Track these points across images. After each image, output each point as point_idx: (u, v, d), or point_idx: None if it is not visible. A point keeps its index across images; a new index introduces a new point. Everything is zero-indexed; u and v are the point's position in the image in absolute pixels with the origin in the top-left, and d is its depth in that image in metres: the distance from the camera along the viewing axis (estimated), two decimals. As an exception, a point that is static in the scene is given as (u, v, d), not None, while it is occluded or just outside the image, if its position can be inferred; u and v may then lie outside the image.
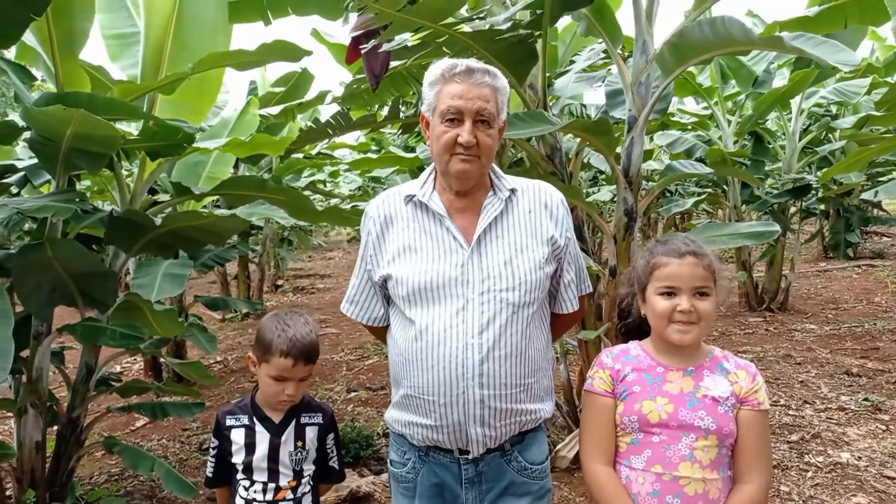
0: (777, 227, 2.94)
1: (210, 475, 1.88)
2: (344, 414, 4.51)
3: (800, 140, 7.16)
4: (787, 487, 3.16)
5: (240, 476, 1.80)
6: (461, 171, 1.49)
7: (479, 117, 1.47)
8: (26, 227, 4.07)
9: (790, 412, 4.13)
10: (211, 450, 1.87)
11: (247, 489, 1.79)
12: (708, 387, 1.50)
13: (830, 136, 7.78)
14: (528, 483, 1.57)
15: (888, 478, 3.22)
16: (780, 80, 6.56)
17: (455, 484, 1.55)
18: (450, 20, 2.86)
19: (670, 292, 1.51)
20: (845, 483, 3.19)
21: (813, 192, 7.12)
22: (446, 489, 1.56)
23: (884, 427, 3.83)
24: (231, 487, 1.86)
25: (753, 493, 1.47)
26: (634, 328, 1.67)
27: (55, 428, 3.06)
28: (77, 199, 2.66)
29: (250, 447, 1.78)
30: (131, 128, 4.01)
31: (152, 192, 4.58)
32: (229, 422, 1.81)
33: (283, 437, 1.79)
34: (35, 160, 2.84)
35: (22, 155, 4.01)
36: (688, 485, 1.45)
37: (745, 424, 1.49)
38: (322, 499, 2.94)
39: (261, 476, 1.78)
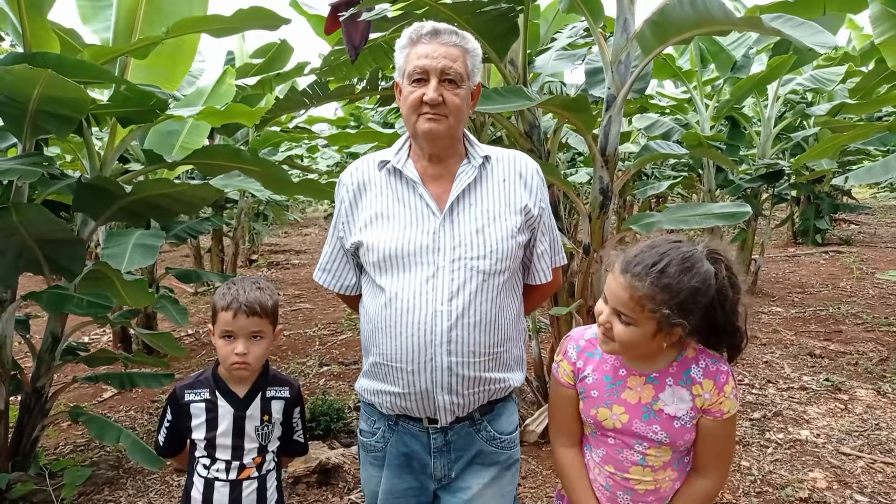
0: (748, 208, 2.98)
1: (161, 444, 1.81)
2: (315, 388, 4.52)
3: (775, 126, 7.26)
4: (747, 462, 3.25)
5: (199, 453, 1.73)
6: (428, 131, 1.48)
7: (445, 76, 1.46)
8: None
9: (754, 391, 4.23)
10: (165, 422, 1.78)
11: (207, 468, 1.72)
12: (666, 402, 1.43)
13: (805, 122, 7.90)
14: (496, 453, 1.58)
15: (844, 454, 3.33)
16: (759, 66, 6.61)
17: (424, 453, 1.56)
18: (430, -9, 2.82)
19: (606, 299, 1.41)
20: (803, 459, 3.30)
21: (785, 177, 7.23)
22: (415, 458, 1.57)
23: (842, 406, 3.95)
24: (189, 461, 1.79)
25: (707, 487, 1.47)
26: None
27: (19, 397, 3.02)
28: (44, 164, 2.59)
29: (212, 422, 1.71)
30: (102, 97, 3.91)
31: (123, 160, 4.49)
32: (188, 396, 1.73)
33: (249, 412, 1.74)
34: (0, 123, 2.76)
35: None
36: (638, 484, 1.48)
37: (704, 431, 1.43)
38: (291, 470, 2.99)
39: (224, 454, 1.71)
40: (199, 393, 1.74)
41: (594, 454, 1.54)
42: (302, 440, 1.90)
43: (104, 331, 6.18)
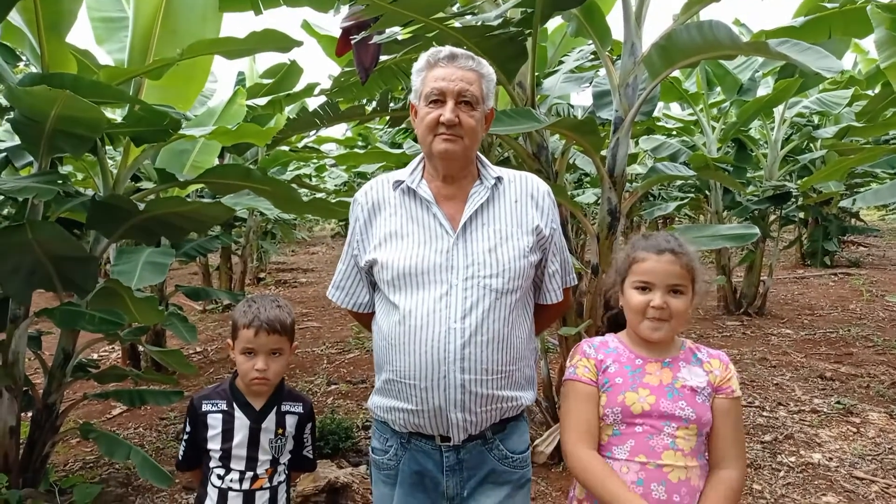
0: (756, 230, 2.99)
1: (181, 458, 1.86)
2: (324, 406, 4.51)
3: (781, 148, 7.26)
4: (759, 486, 3.22)
5: (214, 464, 1.77)
6: (443, 151, 1.51)
7: (462, 98, 1.50)
8: (5, 211, 4.02)
9: (764, 413, 4.20)
10: (184, 434, 1.83)
11: (221, 478, 1.76)
12: (685, 377, 1.54)
13: (812, 145, 7.92)
14: (508, 472, 1.58)
15: (857, 478, 3.29)
16: (765, 89, 6.65)
17: (436, 471, 1.56)
18: (440, 15, 2.87)
19: (645, 287, 1.55)
20: (816, 483, 3.26)
21: (793, 199, 7.23)
22: (427, 476, 1.57)
23: (854, 429, 3.91)
24: (203, 474, 1.83)
25: (734, 478, 1.51)
26: (620, 318, 1.69)
27: (30, 413, 3.03)
28: (59, 182, 2.63)
29: (228, 433, 1.76)
30: (116, 115, 3.96)
31: (136, 179, 4.54)
32: (206, 407, 1.79)
33: (265, 424, 1.78)
34: (17, 142, 2.81)
35: (4, 138, 3.96)
36: (671, 472, 1.48)
37: (720, 412, 1.53)
38: (300, 489, 2.98)
39: (238, 465, 1.75)
40: (216, 404, 1.79)
41: (619, 452, 1.52)
42: (311, 456, 1.93)
43: (113, 348, 6.21)
